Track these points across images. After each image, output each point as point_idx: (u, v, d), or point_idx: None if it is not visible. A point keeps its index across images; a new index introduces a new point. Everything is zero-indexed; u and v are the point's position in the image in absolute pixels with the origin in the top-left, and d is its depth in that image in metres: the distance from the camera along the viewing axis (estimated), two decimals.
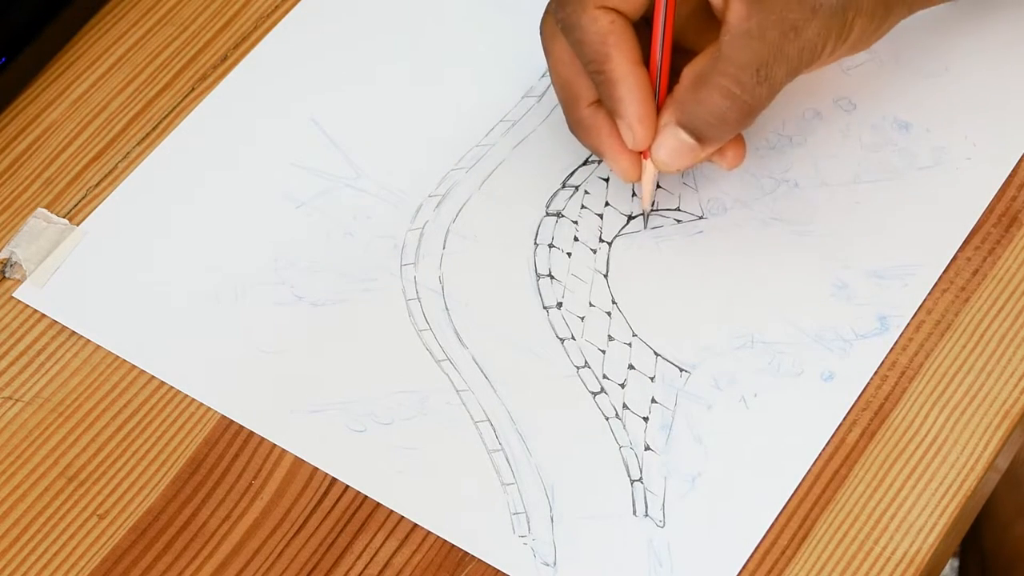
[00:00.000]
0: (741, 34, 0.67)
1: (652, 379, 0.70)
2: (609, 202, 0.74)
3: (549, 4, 0.71)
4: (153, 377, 0.71)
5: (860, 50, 0.70)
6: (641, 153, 0.70)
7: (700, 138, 0.68)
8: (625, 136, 0.69)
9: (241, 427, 0.69)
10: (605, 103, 0.70)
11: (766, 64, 0.67)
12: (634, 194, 0.73)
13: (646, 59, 0.69)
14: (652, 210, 0.73)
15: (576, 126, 0.72)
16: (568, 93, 0.71)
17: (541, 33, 0.72)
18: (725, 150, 0.71)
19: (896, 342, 0.70)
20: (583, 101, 0.71)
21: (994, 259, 0.72)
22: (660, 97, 0.70)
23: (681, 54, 0.70)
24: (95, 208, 0.76)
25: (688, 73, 0.69)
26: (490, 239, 0.74)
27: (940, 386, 0.69)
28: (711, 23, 0.70)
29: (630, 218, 0.74)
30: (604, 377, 0.70)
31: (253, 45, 0.80)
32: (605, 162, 0.72)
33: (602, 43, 0.68)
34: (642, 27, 0.70)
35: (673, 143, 0.69)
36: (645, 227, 0.73)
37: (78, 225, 0.75)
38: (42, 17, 0.79)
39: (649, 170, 0.71)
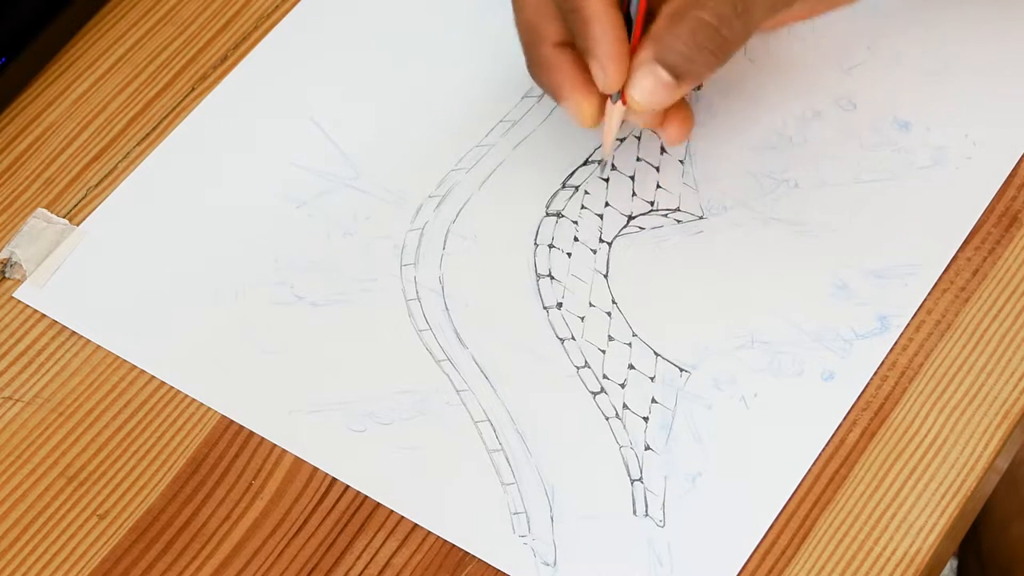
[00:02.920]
0: None
1: (652, 379, 0.70)
2: (609, 202, 0.74)
3: None
4: (153, 377, 0.71)
5: (840, 4, 0.70)
6: (606, 97, 0.70)
7: (677, 74, 0.68)
8: (596, 76, 0.69)
9: (241, 427, 0.69)
10: (578, 42, 0.69)
11: None
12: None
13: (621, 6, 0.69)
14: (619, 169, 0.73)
15: (536, 65, 0.71)
16: (532, 34, 0.71)
17: None
18: (669, 120, 0.71)
19: (896, 342, 0.70)
20: (547, 41, 0.70)
21: (994, 259, 0.72)
22: (634, 40, 0.69)
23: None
24: (95, 208, 0.76)
25: (665, 11, 0.69)
26: (490, 239, 0.74)
27: (940, 386, 0.69)
28: None
29: (630, 218, 0.74)
30: (604, 377, 0.70)
31: (253, 45, 0.80)
32: (561, 105, 0.71)
33: None
34: None
35: (650, 81, 0.69)
36: (601, 173, 0.72)
37: (78, 225, 0.75)
38: (42, 17, 0.79)
39: (615, 114, 0.70)
